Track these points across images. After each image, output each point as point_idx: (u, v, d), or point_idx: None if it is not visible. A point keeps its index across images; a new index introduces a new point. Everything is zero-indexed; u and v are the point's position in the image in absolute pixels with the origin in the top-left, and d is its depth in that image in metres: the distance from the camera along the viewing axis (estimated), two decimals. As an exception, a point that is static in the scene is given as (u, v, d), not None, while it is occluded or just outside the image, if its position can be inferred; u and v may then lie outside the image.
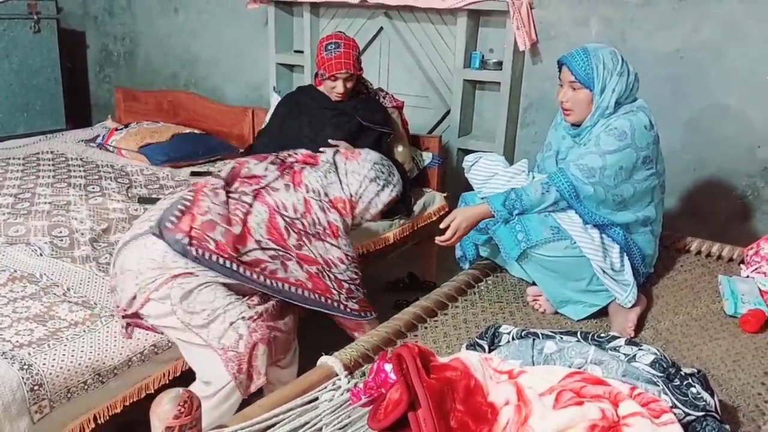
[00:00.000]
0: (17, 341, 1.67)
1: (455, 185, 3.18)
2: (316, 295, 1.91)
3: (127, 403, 1.77)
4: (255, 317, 1.75)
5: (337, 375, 1.47)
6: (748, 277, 2.08)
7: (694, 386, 1.28)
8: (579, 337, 1.44)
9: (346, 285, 1.96)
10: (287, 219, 1.88)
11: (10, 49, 4.23)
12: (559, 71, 1.97)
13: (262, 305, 1.83)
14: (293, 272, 1.87)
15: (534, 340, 1.44)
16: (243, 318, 1.73)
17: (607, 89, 1.88)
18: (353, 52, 2.53)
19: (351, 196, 2.00)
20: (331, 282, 1.93)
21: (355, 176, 2.01)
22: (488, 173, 2.06)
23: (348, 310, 1.98)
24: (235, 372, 1.69)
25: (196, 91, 4.24)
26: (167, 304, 1.76)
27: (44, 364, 1.61)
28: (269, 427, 1.27)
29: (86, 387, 1.67)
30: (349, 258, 1.96)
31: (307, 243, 1.88)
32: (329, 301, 1.94)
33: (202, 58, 4.34)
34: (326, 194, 1.96)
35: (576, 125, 1.97)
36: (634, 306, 1.88)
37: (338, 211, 1.96)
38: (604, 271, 1.84)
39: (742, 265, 2.19)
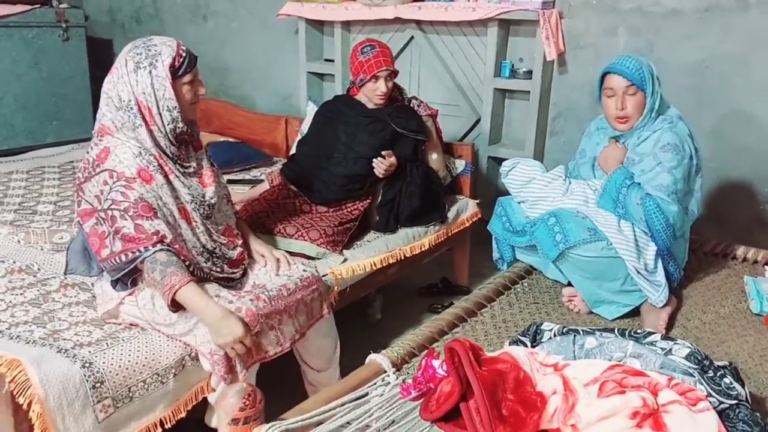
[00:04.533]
0: (78, 341, 1.73)
1: (486, 193, 3.28)
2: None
3: (189, 407, 1.81)
4: None
5: (385, 371, 1.56)
6: (773, 278, 2.18)
7: (727, 377, 1.38)
8: (617, 333, 1.54)
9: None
10: None
11: (39, 57, 4.18)
12: (601, 83, 2.05)
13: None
14: None
15: (575, 336, 1.54)
16: None
17: (654, 90, 1.99)
18: (388, 51, 2.60)
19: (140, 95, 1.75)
20: None
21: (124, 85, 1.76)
22: (526, 178, 2.17)
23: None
24: (223, 374, 1.72)
25: (226, 99, 4.25)
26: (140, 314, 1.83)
27: (104, 362, 1.65)
28: (323, 421, 1.34)
29: (146, 386, 1.71)
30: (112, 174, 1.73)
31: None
32: None
33: (232, 66, 4.36)
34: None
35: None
36: (665, 306, 1.97)
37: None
38: (638, 272, 1.94)
39: (766, 267, 2.28)
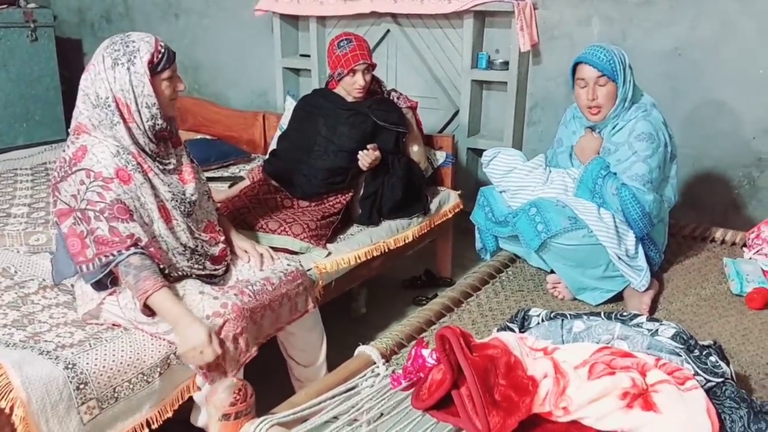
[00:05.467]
0: (60, 342, 1.71)
1: (466, 184, 3.30)
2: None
3: (176, 407, 1.80)
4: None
5: (375, 363, 1.56)
6: (750, 258, 2.22)
7: (713, 356, 1.41)
8: (603, 316, 1.56)
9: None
10: None
11: (7, 59, 4.12)
12: (574, 73, 2.07)
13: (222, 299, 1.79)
14: None
15: (563, 320, 1.55)
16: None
17: (626, 80, 2.00)
18: (365, 44, 2.59)
19: (119, 91, 1.73)
20: None
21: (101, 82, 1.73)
22: (507, 168, 2.18)
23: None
24: (205, 372, 1.71)
25: (199, 97, 4.22)
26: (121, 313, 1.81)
27: (87, 363, 1.63)
28: (313, 414, 1.33)
29: (132, 386, 1.69)
30: (94, 174, 1.70)
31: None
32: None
33: (205, 64, 4.34)
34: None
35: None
36: (647, 290, 2.00)
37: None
38: (619, 258, 1.96)
39: (744, 248, 2.33)
